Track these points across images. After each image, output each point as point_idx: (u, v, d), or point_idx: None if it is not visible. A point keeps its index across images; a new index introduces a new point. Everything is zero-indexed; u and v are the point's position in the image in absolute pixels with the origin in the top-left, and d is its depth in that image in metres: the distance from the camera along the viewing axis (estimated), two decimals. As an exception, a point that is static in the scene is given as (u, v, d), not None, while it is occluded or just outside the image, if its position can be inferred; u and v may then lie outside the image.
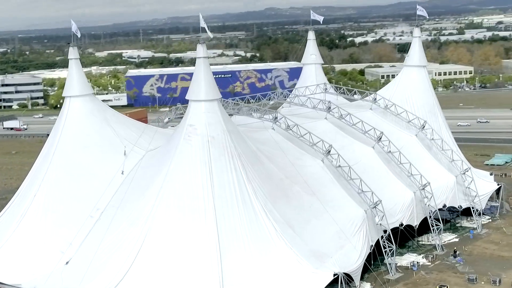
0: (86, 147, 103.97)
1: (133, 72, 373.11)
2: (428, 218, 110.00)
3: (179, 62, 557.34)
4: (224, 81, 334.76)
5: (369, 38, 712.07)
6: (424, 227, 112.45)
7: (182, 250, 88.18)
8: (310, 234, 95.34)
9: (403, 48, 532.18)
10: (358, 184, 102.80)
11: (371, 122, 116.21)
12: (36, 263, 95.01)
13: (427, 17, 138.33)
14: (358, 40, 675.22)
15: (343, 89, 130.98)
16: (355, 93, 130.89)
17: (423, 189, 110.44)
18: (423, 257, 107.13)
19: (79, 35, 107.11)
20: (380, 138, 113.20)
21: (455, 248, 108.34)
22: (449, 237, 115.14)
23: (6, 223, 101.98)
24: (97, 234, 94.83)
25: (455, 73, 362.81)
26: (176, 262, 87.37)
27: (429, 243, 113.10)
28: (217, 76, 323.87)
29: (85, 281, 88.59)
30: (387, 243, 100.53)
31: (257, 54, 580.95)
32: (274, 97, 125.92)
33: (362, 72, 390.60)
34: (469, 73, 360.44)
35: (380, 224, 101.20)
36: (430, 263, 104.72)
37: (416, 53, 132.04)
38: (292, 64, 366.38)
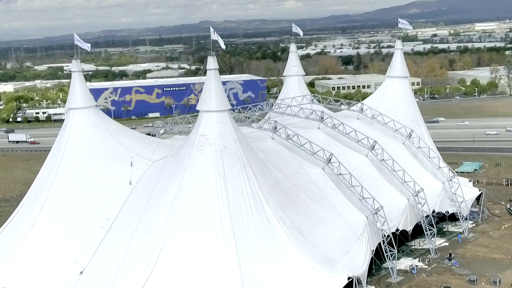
0: (92, 158, 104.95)
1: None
2: (422, 223, 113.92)
3: (123, 75, 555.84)
4: (179, 94, 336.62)
5: (310, 51, 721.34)
6: (414, 232, 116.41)
7: (201, 257, 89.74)
8: (318, 240, 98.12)
9: (347, 61, 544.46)
10: (359, 191, 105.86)
11: (360, 131, 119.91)
12: (49, 273, 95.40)
13: (411, 29, 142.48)
14: (300, 52, 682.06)
15: (330, 100, 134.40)
16: (341, 103, 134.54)
17: (417, 195, 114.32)
18: (419, 260, 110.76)
19: (88, 49, 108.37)
20: (373, 147, 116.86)
21: (450, 251, 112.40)
22: (439, 242, 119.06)
23: (13, 235, 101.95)
24: (110, 243, 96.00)
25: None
26: (196, 270, 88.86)
27: (421, 247, 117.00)
28: (171, 88, 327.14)
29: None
30: (388, 247, 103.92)
31: (201, 67, 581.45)
32: (263, 108, 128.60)
33: (311, 84, 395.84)
34: (417, 85, 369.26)
35: (382, 229, 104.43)
36: (427, 266, 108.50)
37: (398, 64, 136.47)
38: (245, 76, 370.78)
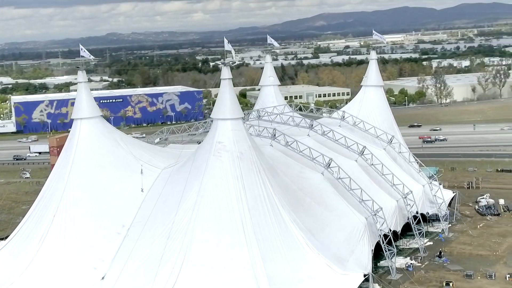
0: (102, 167, 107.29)
1: (18, 98, 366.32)
2: (412, 223, 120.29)
3: (43, 88, 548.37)
4: (115, 106, 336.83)
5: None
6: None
7: (225, 260, 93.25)
8: (326, 240, 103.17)
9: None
10: (357, 193, 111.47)
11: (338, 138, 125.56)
12: (70, 280, 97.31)
13: (384, 43, 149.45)
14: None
15: (311, 108, 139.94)
16: (323, 111, 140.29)
17: (405, 197, 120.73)
18: (410, 259, 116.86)
19: (93, 61, 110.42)
20: (363, 152, 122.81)
21: (440, 249, 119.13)
22: (420, 241, 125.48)
23: (25, 243, 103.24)
24: (130, 249, 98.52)
25: (334, 94, 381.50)
26: (222, 272, 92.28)
27: (407, 247, 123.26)
28: (108, 100, 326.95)
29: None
30: (387, 246, 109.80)
31: (123, 79, 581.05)
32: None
33: (243, 95, 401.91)
34: (347, 94, 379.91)
35: (381, 229, 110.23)
36: (420, 264, 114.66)
37: (373, 73, 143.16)
38: (180, 88, 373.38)
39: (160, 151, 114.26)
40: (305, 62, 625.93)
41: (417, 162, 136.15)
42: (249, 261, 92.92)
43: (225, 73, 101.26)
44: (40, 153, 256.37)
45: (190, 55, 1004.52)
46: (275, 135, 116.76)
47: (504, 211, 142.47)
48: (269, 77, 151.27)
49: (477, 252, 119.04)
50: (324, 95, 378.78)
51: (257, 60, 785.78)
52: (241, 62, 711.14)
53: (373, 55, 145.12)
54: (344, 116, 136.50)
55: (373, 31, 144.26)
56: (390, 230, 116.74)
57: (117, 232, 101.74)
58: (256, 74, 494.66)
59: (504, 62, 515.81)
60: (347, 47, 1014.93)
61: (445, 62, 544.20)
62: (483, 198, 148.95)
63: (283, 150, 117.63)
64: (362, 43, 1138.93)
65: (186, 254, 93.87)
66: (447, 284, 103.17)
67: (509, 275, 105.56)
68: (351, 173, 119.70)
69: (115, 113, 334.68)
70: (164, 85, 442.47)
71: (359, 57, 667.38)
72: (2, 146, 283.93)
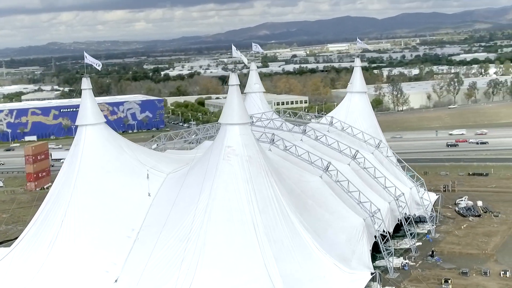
0: (108, 172, 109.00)
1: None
2: (404, 224, 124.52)
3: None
4: (76, 115, 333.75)
5: (178, 72, 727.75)
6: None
7: (239, 260, 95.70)
8: (330, 241, 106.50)
9: (225, 81, 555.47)
10: (355, 196, 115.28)
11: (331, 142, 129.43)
12: (82, 283, 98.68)
13: (367, 47, 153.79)
14: (172, 73, 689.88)
15: (300, 114, 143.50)
16: (311, 117, 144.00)
17: (397, 199, 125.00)
18: (404, 258, 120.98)
19: (99, 68, 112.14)
20: (355, 156, 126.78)
21: (432, 249, 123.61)
22: (412, 242, 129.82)
23: (34, 248, 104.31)
24: (141, 252, 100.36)
25: (292, 102, 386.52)
26: (237, 272, 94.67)
27: (398, 247, 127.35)
28: (69, 109, 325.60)
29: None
30: (385, 246, 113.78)
31: (74, 88, 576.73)
32: None
33: (202, 104, 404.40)
34: (305, 102, 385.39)
35: (379, 230, 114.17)
36: (414, 263, 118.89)
37: (357, 80, 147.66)
38: (140, 97, 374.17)
39: (163, 157, 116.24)
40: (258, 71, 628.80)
41: (403, 166, 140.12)
42: (262, 262, 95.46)
43: (233, 79, 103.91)
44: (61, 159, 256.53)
45: (138, 64, 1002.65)
46: (273, 140, 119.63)
47: (484, 212, 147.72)
48: (254, 84, 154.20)
49: (466, 251, 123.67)
50: (283, 103, 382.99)
51: (206, 69, 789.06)
52: (191, 71, 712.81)
53: (357, 63, 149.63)
54: (332, 122, 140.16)
55: (357, 39, 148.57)
56: (384, 231, 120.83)
57: (127, 235, 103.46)
58: (210, 83, 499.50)
59: (452, 70, 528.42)
60: (294, 56, 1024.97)
61: (395, 71, 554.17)
62: (462, 200, 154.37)
63: (281, 155, 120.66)
64: (308, 52, 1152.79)
65: (200, 256, 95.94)
66: (446, 281, 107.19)
67: (503, 272, 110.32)
68: (340, 176, 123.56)
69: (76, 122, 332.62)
70: (117, 94, 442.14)
71: (310, 66, 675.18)
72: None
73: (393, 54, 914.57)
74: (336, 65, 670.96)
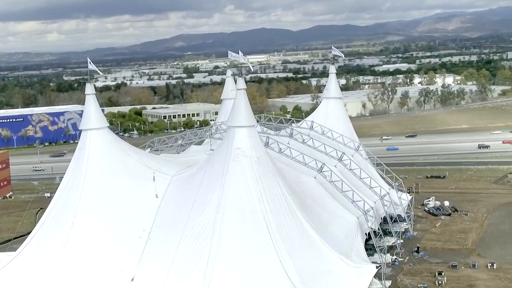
0: (115, 175, 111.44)
1: None
2: (389, 222, 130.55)
3: None
4: (16, 125, 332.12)
5: (102, 83, 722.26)
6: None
7: (255, 258, 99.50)
8: (331, 238, 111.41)
9: (155, 91, 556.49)
10: (348, 195, 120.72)
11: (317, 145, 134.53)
12: (99, 282, 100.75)
13: (343, 56, 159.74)
14: (97, 84, 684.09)
15: (281, 119, 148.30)
16: (292, 122, 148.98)
17: (382, 198, 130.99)
18: (391, 254, 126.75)
19: (101, 74, 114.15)
20: (341, 158, 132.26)
21: (418, 245, 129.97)
22: (393, 240, 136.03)
23: (45, 250, 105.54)
24: (155, 251, 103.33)
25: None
26: (254, 268, 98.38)
27: (382, 245, 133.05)
28: (8, 120, 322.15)
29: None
30: (378, 242, 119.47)
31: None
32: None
33: (139, 114, 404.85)
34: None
35: (372, 227, 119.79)
36: (402, 259, 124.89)
37: (332, 86, 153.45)
38: (80, 107, 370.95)
39: (164, 160, 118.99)
40: (186, 81, 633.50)
41: (381, 168, 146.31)
42: (277, 258, 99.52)
43: (240, 84, 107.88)
44: None
45: (57, 76, 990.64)
46: (268, 142, 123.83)
47: (452, 211, 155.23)
48: (231, 90, 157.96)
49: (448, 247, 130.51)
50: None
51: (131, 80, 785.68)
52: (116, 82, 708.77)
53: (332, 69, 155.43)
54: (312, 126, 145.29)
55: (332, 47, 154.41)
56: (372, 228, 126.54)
57: (139, 236, 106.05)
58: (142, 93, 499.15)
59: (379, 80, 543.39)
60: (217, 67, 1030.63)
61: (323, 81, 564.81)
62: (430, 200, 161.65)
63: (274, 157, 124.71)
64: (228, 63, 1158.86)
65: (217, 254, 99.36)
66: (440, 273, 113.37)
67: (490, 264, 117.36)
68: (334, 177, 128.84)
69: (16, 133, 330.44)
70: (46, 105, 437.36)
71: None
72: None
73: (314, 65, 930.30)
74: (263, 75, 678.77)
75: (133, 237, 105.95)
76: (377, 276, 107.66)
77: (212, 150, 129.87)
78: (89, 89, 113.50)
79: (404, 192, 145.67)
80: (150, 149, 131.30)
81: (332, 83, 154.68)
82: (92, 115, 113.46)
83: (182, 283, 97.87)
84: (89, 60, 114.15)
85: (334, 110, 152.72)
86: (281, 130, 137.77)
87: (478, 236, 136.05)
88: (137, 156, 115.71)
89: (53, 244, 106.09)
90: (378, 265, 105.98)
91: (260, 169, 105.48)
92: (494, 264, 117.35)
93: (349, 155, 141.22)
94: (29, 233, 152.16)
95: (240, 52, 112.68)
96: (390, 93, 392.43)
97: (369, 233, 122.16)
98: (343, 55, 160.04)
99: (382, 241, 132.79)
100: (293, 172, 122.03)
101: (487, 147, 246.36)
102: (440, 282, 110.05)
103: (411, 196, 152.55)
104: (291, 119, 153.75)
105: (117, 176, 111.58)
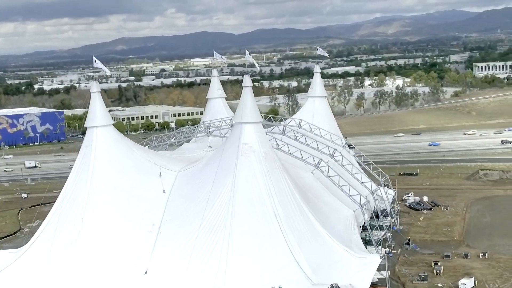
0: (122, 171, 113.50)
1: None
2: (380, 215, 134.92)
3: None
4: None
5: (47, 86, 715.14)
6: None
7: (267, 248, 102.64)
8: (332, 230, 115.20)
9: (108, 95, 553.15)
10: (346, 189, 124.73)
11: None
12: (113, 276, 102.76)
13: (328, 56, 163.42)
14: (46, 87, 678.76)
15: (269, 117, 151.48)
16: (281, 120, 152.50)
17: (373, 193, 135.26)
18: (383, 247, 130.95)
19: (108, 73, 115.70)
20: (333, 154, 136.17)
21: (408, 237, 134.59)
22: (382, 233, 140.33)
23: (56, 245, 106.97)
24: (167, 244, 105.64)
25: (188, 114, 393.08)
26: (265, 260, 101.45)
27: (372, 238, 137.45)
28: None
29: (185, 282, 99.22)
30: (374, 234, 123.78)
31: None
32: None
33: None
34: (201, 114, 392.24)
35: (368, 221, 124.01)
36: (395, 251, 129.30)
37: (317, 85, 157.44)
38: (38, 109, 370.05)
39: (167, 157, 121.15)
40: (136, 83, 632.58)
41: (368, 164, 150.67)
42: (288, 249, 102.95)
43: (247, 81, 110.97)
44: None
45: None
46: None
47: (432, 206, 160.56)
48: (217, 90, 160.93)
49: (437, 239, 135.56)
50: (179, 115, 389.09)
51: (78, 83, 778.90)
52: (61, 85, 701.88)
53: (317, 69, 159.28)
54: (300, 124, 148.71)
55: (317, 47, 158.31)
56: (368, 222, 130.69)
57: (149, 230, 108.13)
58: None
59: (330, 83, 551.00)
60: (163, 70, 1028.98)
61: (275, 83, 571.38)
62: (409, 196, 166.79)
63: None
64: (173, 67, 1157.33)
65: (229, 245, 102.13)
66: (435, 263, 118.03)
67: (482, 254, 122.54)
68: (331, 172, 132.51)
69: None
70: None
71: (188, 79, 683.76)
72: None
73: (262, 67, 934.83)
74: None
75: (144, 231, 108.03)
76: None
77: (211, 147, 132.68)
78: (95, 86, 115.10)
79: (390, 187, 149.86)
80: (148, 146, 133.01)
81: (317, 83, 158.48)
82: (97, 112, 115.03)
83: (197, 275, 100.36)
84: (94, 58, 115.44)
85: (319, 109, 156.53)
86: (272, 128, 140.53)
87: (463, 229, 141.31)
88: (142, 153, 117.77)
89: (63, 239, 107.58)
90: (382, 255, 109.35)
91: (268, 164, 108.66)
92: (486, 254, 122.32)
93: (340, 152, 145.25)
94: (15, 232, 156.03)
95: (246, 50, 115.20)
96: (346, 94, 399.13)
97: (361, 226, 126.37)
98: (327, 55, 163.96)
99: (371, 234, 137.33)
100: (292, 168, 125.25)
101: (510, 142, 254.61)
102: (438, 271, 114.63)
103: (394, 191, 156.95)
104: (280, 117, 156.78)
105: (125, 172, 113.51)
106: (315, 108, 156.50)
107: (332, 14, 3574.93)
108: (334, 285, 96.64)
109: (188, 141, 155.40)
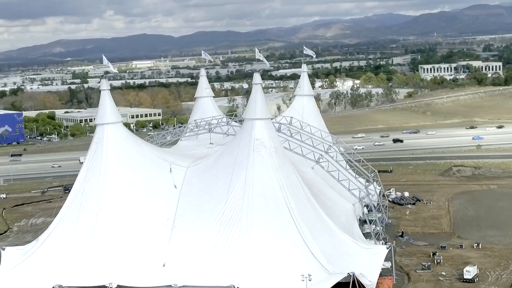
0: (134, 167, 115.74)
1: None
2: (373, 209, 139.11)
3: None
4: None
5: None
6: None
7: (282, 240, 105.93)
8: (337, 222, 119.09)
9: (62, 97, 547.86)
10: (345, 184, 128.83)
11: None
12: (133, 270, 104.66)
13: (314, 56, 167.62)
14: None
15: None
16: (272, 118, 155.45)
17: (366, 188, 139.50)
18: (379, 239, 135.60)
19: (114, 70, 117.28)
20: (328, 150, 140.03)
21: (402, 230, 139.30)
22: (373, 227, 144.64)
23: (72, 238, 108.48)
24: (183, 238, 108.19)
25: (146, 115, 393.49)
26: (281, 251, 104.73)
27: (364, 231, 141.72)
28: None
29: (204, 274, 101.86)
30: (373, 227, 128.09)
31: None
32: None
33: (52, 117, 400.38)
34: (158, 115, 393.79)
35: (367, 214, 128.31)
36: (390, 243, 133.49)
37: (305, 84, 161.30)
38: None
39: (174, 153, 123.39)
40: (86, 86, 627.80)
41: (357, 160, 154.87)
42: (302, 240, 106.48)
43: (257, 79, 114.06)
44: None
45: None
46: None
47: (415, 201, 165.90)
48: (205, 89, 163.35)
49: (428, 231, 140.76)
50: (137, 116, 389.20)
51: (22, 85, 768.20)
52: (5, 88, 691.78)
53: (304, 68, 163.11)
54: (291, 121, 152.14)
55: (304, 47, 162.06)
56: (367, 215, 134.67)
57: (164, 224, 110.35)
58: (47, 97, 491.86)
59: (281, 84, 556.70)
60: (107, 72, 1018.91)
61: (227, 85, 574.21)
62: (390, 192, 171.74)
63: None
64: (116, 69, 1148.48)
65: (246, 238, 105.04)
66: (434, 254, 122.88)
67: (476, 244, 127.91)
68: (330, 167, 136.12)
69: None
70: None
71: (138, 81, 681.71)
72: None
73: (209, 69, 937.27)
74: (162, 80, 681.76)
75: (159, 225, 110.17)
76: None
77: (212, 143, 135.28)
78: (104, 84, 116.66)
79: (379, 183, 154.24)
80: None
81: (304, 81, 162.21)
82: (107, 109, 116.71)
83: (214, 268, 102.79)
84: (103, 56, 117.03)
85: (307, 107, 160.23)
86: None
87: (451, 222, 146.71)
88: (152, 149, 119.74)
89: (79, 234, 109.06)
90: (388, 246, 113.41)
91: (278, 159, 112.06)
92: (480, 244, 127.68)
93: (334, 148, 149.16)
94: (5, 231, 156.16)
95: (256, 49, 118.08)
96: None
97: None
98: (314, 55, 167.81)
99: (363, 227, 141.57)
100: (294, 164, 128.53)
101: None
102: (438, 260, 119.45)
103: (380, 187, 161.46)
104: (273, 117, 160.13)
105: (137, 168, 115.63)
106: (304, 106, 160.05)
107: (271, 17, 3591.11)
108: (350, 273, 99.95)
109: (176, 140, 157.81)
